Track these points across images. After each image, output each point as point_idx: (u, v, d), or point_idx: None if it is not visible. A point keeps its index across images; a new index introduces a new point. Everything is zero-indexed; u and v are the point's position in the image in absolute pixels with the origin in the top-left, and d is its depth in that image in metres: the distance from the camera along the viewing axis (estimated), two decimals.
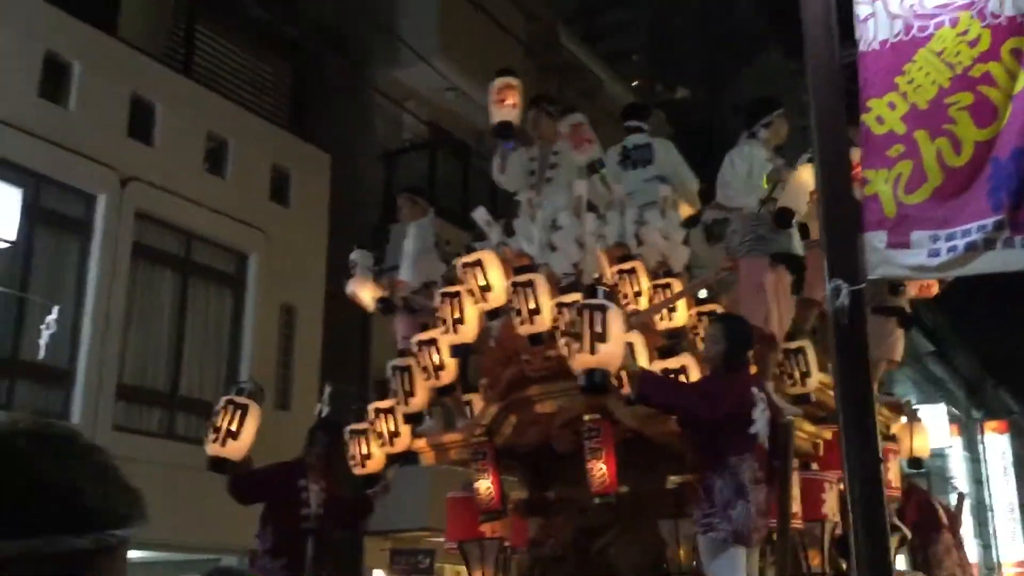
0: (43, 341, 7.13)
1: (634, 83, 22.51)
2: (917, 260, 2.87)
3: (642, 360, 4.91)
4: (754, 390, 4.51)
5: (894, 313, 6.57)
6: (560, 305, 5.10)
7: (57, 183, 9.23)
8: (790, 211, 5.32)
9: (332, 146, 12.42)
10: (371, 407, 6.08)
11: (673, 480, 5.13)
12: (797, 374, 5.47)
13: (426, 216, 7.29)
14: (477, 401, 6.14)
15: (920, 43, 2.94)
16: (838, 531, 5.49)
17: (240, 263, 11.09)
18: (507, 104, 6.30)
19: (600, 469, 4.89)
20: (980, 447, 32.93)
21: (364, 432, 6.04)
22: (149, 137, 10.20)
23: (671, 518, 5.10)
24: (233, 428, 5.61)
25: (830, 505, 5.42)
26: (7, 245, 7.27)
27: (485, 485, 5.43)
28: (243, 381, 6.40)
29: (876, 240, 2.91)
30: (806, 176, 5.08)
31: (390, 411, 5.95)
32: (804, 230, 5.62)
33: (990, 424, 34.06)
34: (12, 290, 8.64)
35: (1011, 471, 34.30)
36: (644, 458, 5.12)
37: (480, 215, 6.38)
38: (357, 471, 6.10)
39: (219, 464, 5.66)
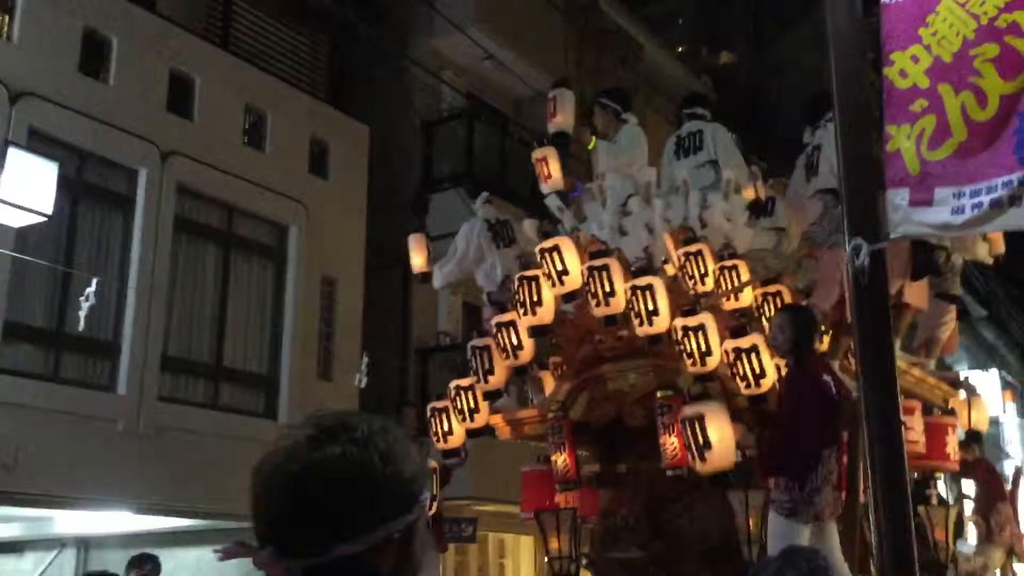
0: (83, 313, 7.26)
1: (679, 48, 22.22)
2: (940, 218, 2.79)
3: (713, 339, 5.15)
4: (825, 378, 4.68)
5: (952, 300, 6.78)
6: (634, 288, 5.35)
7: (99, 158, 9.36)
8: None
9: (371, 118, 12.43)
10: (452, 384, 6.40)
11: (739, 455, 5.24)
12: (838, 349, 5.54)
13: (480, 207, 7.63)
14: (548, 379, 6.49)
15: None
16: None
17: (281, 236, 11.17)
18: (557, 118, 6.97)
19: (672, 443, 5.17)
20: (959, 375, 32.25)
21: (445, 409, 6.40)
22: (189, 111, 10.28)
23: (741, 490, 5.26)
24: None
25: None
26: (44, 219, 7.41)
27: (562, 458, 5.75)
28: None
29: (898, 198, 2.84)
30: None
31: (470, 389, 6.29)
32: None
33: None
34: (58, 264, 8.80)
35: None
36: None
37: (552, 201, 6.83)
38: (439, 445, 6.46)
39: None
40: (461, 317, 13.22)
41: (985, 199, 2.72)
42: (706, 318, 5.21)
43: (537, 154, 7.23)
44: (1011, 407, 27.64)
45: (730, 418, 5.02)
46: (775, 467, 4.73)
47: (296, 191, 11.17)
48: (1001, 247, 6.89)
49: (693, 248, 5.75)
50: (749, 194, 6.45)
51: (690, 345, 5.16)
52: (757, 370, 4.99)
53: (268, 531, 1.25)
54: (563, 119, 7.08)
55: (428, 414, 6.54)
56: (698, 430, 4.81)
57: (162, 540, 10.20)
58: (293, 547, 1.21)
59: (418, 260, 7.61)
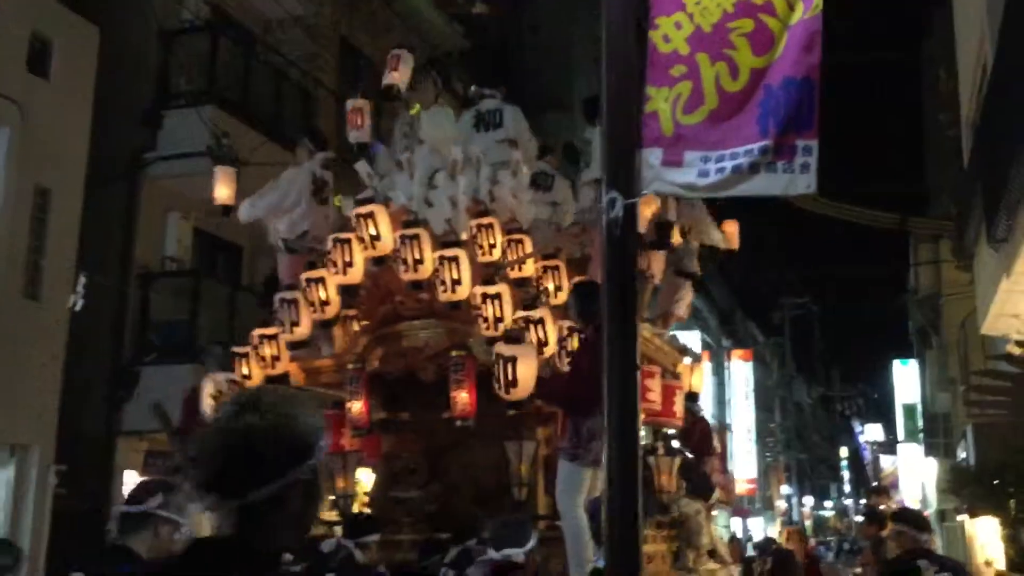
0: None
1: None
2: (687, 179, 2.96)
3: (507, 308, 5.80)
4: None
5: (690, 277, 7.72)
6: (442, 258, 5.95)
7: None
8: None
9: (102, 18, 11.42)
10: (255, 333, 6.74)
11: (511, 411, 5.89)
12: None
13: (313, 159, 7.63)
14: (338, 332, 6.87)
15: None
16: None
17: None
18: (395, 74, 7.35)
19: (463, 397, 5.84)
20: (726, 372, 35.58)
21: (246, 355, 6.74)
22: None
23: (516, 440, 6.06)
24: None
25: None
26: None
27: (357, 406, 6.29)
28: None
29: (652, 157, 2.97)
30: None
31: (273, 337, 6.66)
32: None
33: (737, 352, 36.82)
34: None
35: (751, 396, 37.33)
36: (486, 385, 5.83)
37: (362, 167, 7.28)
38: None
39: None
40: (191, 243, 12.57)
41: (728, 164, 2.90)
42: (503, 288, 5.86)
43: (354, 103, 7.71)
44: (707, 366, 30.25)
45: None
46: (558, 401, 5.47)
47: (10, 89, 10.08)
48: (735, 244, 7.90)
49: (485, 221, 6.24)
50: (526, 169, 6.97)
51: (487, 311, 5.79)
52: (543, 339, 5.75)
53: (210, 481, 1.67)
54: (400, 76, 7.43)
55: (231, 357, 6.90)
56: (509, 367, 5.45)
57: None
58: (228, 491, 1.65)
59: (224, 192, 7.69)
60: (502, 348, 5.52)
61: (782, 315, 40.78)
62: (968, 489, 12.66)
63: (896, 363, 33.28)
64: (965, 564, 10.90)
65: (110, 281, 10.98)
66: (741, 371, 36.95)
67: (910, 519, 6.06)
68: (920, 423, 30.21)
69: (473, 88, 7.49)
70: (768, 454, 41.02)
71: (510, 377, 5.45)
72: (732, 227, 8.01)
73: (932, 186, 24.91)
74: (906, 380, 32.00)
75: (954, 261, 18.62)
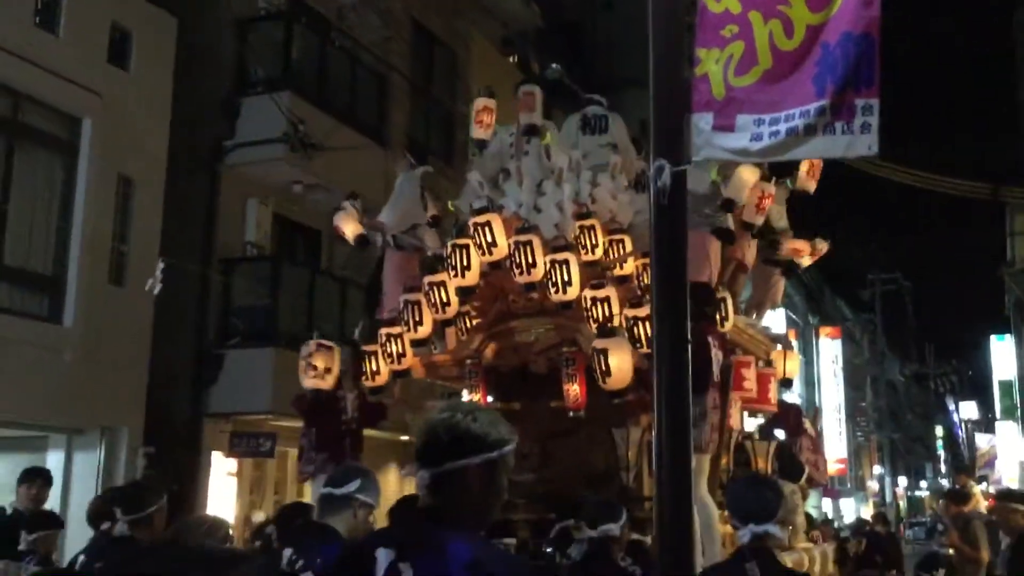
0: None
1: None
2: (740, 144, 2.84)
3: (615, 308, 6.19)
4: (709, 339, 5.64)
5: (780, 265, 7.96)
6: (553, 262, 6.39)
7: None
8: (733, 201, 6.85)
9: (180, 9, 11.65)
10: (382, 331, 7.21)
11: (616, 400, 6.24)
12: (717, 318, 6.50)
13: (415, 169, 8.23)
14: (450, 332, 7.32)
15: None
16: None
17: (73, 128, 10.37)
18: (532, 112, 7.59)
19: (575, 389, 6.33)
20: (814, 351, 34.85)
21: (375, 353, 7.20)
22: None
23: (622, 427, 6.55)
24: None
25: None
26: None
27: (476, 398, 6.85)
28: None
29: (702, 122, 2.86)
30: (747, 175, 6.85)
31: (399, 336, 7.12)
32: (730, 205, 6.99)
33: (824, 330, 36.02)
34: None
35: (840, 374, 36.51)
36: (595, 378, 6.20)
37: (473, 177, 7.58)
38: (367, 383, 7.26)
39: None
40: (270, 229, 12.77)
41: (783, 127, 2.77)
42: (611, 291, 6.25)
43: (485, 103, 8.03)
44: (794, 344, 29.60)
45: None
46: None
47: (93, 81, 10.36)
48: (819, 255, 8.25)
49: (587, 222, 6.65)
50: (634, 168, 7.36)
51: (596, 312, 6.21)
52: (648, 334, 5.75)
53: (418, 452, 2.23)
54: (536, 115, 7.67)
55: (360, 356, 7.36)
56: (603, 359, 5.86)
57: None
58: (428, 461, 2.21)
59: (350, 228, 8.05)
60: (597, 342, 5.97)
61: (872, 291, 39.68)
62: None
63: (992, 338, 32.15)
64: None
65: (193, 267, 11.24)
66: (829, 349, 36.16)
67: (1012, 498, 6.27)
68: (1018, 400, 29.13)
69: (593, 96, 7.93)
70: (859, 433, 40.07)
71: (604, 368, 5.86)
72: (809, 164, 7.94)
73: None
74: (1003, 356, 30.88)
75: None
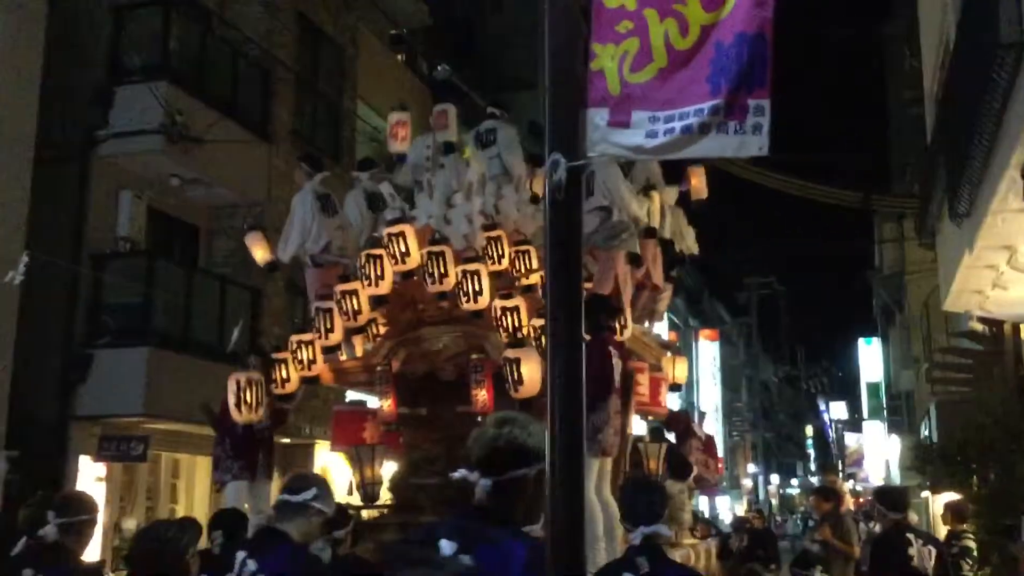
0: None
1: None
2: (635, 140, 2.81)
3: (523, 318, 6.42)
4: (611, 349, 5.95)
5: (670, 279, 8.46)
6: (464, 272, 6.65)
7: None
8: (655, 229, 7.42)
9: None
10: (293, 339, 7.38)
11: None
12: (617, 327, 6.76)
13: (312, 180, 8.14)
14: (357, 337, 7.52)
15: None
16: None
17: None
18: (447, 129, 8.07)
19: (482, 395, 6.60)
20: (694, 353, 35.69)
21: (284, 360, 7.30)
22: None
23: None
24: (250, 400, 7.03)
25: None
26: None
27: (387, 403, 7.06)
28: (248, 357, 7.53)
29: (598, 117, 2.83)
30: (661, 200, 7.57)
31: (309, 343, 7.29)
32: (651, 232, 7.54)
33: (704, 332, 36.94)
34: None
35: (718, 376, 37.52)
36: (502, 384, 6.45)
37: (386, 188, 7.99)
38: (277, 390, 7.31)
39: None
40: (145, 223, 12.28)
41: (677, 125, 2.76)
42: (520, 301, 6.49)
43: (399, 117, 8.46)
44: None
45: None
46: None
47: None
48: (703, 194, 8.58)
49: (494, 234, 7.00)
50: (536, 186, 7.47)
51: (506, 321, 6.46)
52: None
53: (480, 462, 2.45)
54: (452, 131, 8.17)
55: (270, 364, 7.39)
56: (515, 368, 6.03)
57: None
58: (490, 471, 2.42)
59: (260, 254, 8.16)
60: (508, 352, 6.16)
61: (748, 295, 40.95)
62: (932, 466, 12.75)
63: (860, 341, 33.54)
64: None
65: (62, 261, 10.70)
66: (708, 351, 37.10)
67: (883, 498, 6.52)
68: (884, 401, 30.48)
69: (488, 108, 8.18)
70: (735, 433, 41.28)
71: (516, 377, 6.03)
72: (699, 177, 8.48)
73: (895, 164, 25.00)
74: (870, 358, 32.26)
75: (917, 239, 18.70)
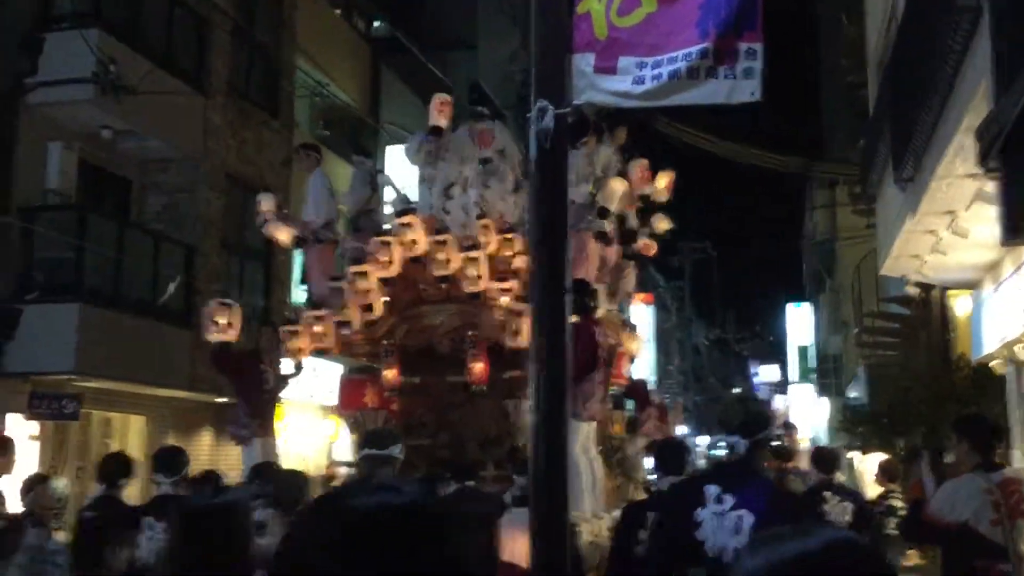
0: None
1: None
2: (622, 87, 2.75)
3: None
4: (594, 328, 6.67)
5: (634, 258, 9.34)
6: (466, 258, 7.50)
7: None
8: (607, 210, 7.94)
9: None
10: (308, 314, 8.08)
11: (509, 374, 7.58)
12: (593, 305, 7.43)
13: (320, 165, 9.01)
14: (354, 315, 8.00)
15: None
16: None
17: None
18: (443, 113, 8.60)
19: (479, 367, 7.49)
20: (627, 316, 35.97)
21: (297, 332, 7.98)
22: None
23: (513, 398, 7.64)
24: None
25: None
26: None
27: (391, 372, 7.97)
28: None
29: (584, 63, 2.75)
30: (617, 185, 8.04)
31: (322, 317, 7.94)
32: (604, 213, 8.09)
33: (639, 296, 37.22)
34: None
35: (652, 339, 37.90)
36: (493, 357, 7.63)
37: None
38: (293, 360, 8.30)
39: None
40: (76, 176, 11.85)
41: (665, 70, 2.70)
42: (514, 284, 7.35)
43: (442, 98, 8.83)
44: None
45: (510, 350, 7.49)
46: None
47: None
48: (668, 195, 9.43)
49: (484, 222, 7.72)
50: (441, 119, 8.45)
51: (502, 301, 7.36)
52: None
53: (732, 428, 3.26)
54: (445, 120, 8.67)
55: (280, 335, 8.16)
56: (516, 320, 7.05)
57: None
58: (745, 433, 3.21)
59: (284, 235, 8.70)
60: (512, 305, 7.16)
61: (682, 259, 41.34)
62: (861, 428, 13.09)
63: (790, 306, 34.17)
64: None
65: None
66: (642, 315, 37.42)
67: (816, 458, 7.30)
68: (813, 364, 31.14)
69: (479, 108, 9.05)
70: (667, 396, 41.86)
71: (515, 328, 6.98)
72: (667, 178, 9.26)
73: (827, 130, 25.35)
74: (799, 322, 32.90)
75: (850, 206, 18.97)
